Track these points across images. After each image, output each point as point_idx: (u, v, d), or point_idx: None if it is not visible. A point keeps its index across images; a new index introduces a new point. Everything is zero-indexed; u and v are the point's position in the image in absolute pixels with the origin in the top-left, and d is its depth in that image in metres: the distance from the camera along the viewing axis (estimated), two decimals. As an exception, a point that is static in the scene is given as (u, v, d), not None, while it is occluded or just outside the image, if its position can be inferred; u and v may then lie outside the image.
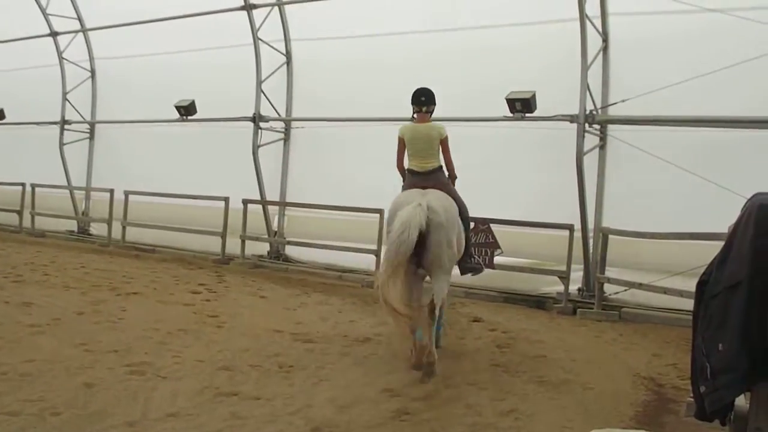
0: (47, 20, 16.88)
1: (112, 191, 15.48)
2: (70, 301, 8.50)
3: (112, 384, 5.13)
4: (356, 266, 12.13)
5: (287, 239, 13.39)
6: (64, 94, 17.23)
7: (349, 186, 12.38)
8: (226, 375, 5.61)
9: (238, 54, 13.70)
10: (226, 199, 13.42)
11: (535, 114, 10.19)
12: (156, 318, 7.72)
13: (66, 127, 17.19)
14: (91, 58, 17.00)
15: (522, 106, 10.17)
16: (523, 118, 10.25)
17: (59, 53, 17.10)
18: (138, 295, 9.20)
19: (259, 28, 13.24)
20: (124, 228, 15.21)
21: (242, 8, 13.22)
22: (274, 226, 13.60)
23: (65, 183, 17.19)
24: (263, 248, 13.70)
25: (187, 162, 14.73)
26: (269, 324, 7.77)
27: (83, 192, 17.23)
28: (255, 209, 13.37)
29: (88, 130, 17.29)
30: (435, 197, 6.36)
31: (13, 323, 7.00)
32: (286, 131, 13.64)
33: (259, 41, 13.28)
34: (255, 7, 13.15)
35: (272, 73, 13.37)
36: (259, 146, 13.29)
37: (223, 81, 14.17)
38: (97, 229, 16.93)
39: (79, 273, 11.02)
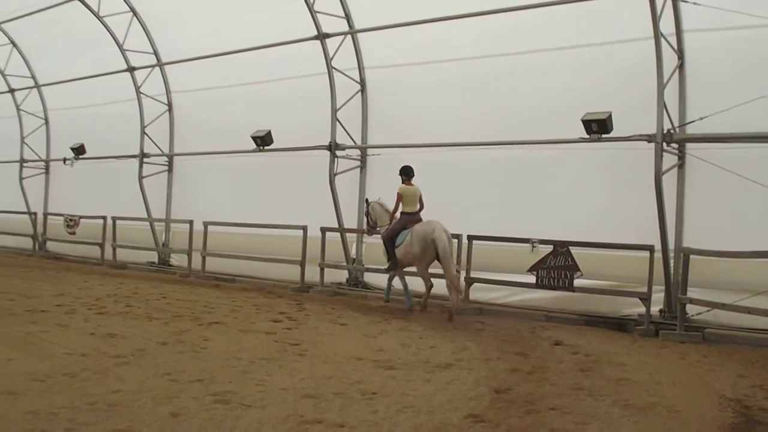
0: (125, 56, 18.31)
1: (191, 222, 16.63)
2: (153, 331, 9.04)
3: (197, 413, 5.40)
4: (436, 292, 12.54)
5: (366, 266, 14.14)
6: (143, 127, 18.61)
7: (428, 211, 12.94)
8: (310, 403, 5.82)
9: (312, 83, 14.68)
10: (305, 228, 14.26)
11: (611, 135, 10.68)
12: (238, 347, 8.15)
13: (145, 160, 18.55)
14: (168, 92, 18.38)
15: (598, 127, 10.66)
16: (599, 140, 10.76)
17: (137, 88, 18.50)
18: (220, 325, 9.75)
19: (332, 57, 14.10)
20: (203, 258, 16.27)
21: (315, 38, 14.14)
22: (353, 253, 14.37)
23: (145, 215, 18.50)
24: (342, 276, 14.50)
25: (265, 191, 15.76)
26: (351, 351, 8.13)
27: (163, 224, 18.48)
28: (333, 237, 14.18)
29: (167, 163, 18.63)
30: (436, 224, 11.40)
31: (98, 354, 7.46)
32: (362, 158, 14.48)
33: (333, 70, 14.14)
34: (328, 36, 14.06)
35: (347, 101, 14.22)
36: (335, 174, 14.11)
37: (298, 110, 15.18)
38: (177, 259, 18.17)
39: (161, 303, 11.76)
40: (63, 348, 7.68)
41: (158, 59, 18.06)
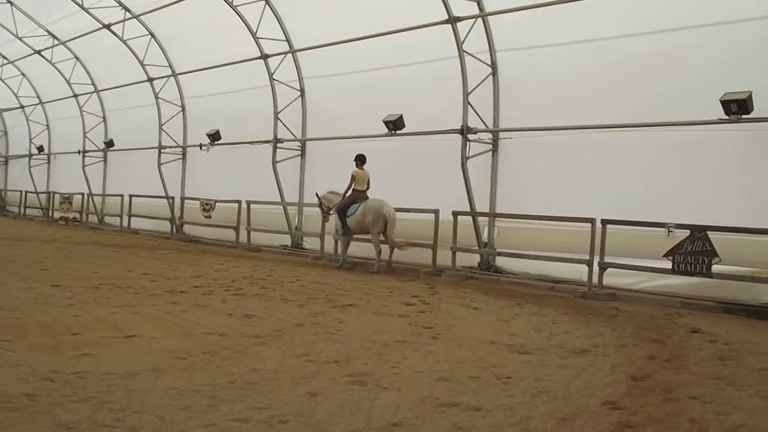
0: (258, 44, 19.56)
1: (324, 207, 17.55)
2: (288, 313, 9.52)
3: (334, 393, 5.64)
4: (568, 276, 13.20)
5: (498, 250, 14.68)
6: (276, 113, 19.85)
7: (559, 195, 13.64)
8: (445, 386, 6.00)
9: (442, 67, 15.35)
10: (436, 212, 14.97)
11: (751, 115, 10.84)
12: (372, 329, 8.49)
13: (278, 145, 19.80)
14: (300, 78, 19.58)
15: (738, 107, 10.81)
16: (739, 120, 10.93)
17: (270, 75, 19.76)
18: (353, 307, 10.20)
19: (463, 41, 14.66)
20: (336, 242, 17.17)
21: (446, 21, 14.72)
22: (485, 237, 14.94)
23: (279, 199, 19.79)
24: (473, 260, 15.12)
25: (396, 176, 16.57)
26: (484, 335, 8.36)
27: (296, 207, 19.68)
28: (465, 221, 14.79)
29: (299, 148, 19.83)
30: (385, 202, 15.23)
31: (237, 335, 7.88)
32: (494, 142, 15.01)
33: (465, 53, 14.70)
34: (459, 19, 14.60)
35: (478, 84, 14.75)
36: (467, 158, 14.70)
37: (429, 94, 15.97)
38: (310, 243, 19.35)
39: (295, 286, 12.45)
40: (202, 327, 8.21)
41: (290, 46, 19.22)
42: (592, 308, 10.91)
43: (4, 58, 32.44)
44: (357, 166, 15.89)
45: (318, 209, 16.98)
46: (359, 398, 5.52)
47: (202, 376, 5.99)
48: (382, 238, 15.17)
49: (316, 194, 16.80)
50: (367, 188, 15.93)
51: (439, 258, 14.97)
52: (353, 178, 15.77)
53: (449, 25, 14.70)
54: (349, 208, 15.65)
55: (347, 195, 15.86)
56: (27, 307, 9.00)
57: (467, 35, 14.62)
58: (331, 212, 16.44)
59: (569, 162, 13.55)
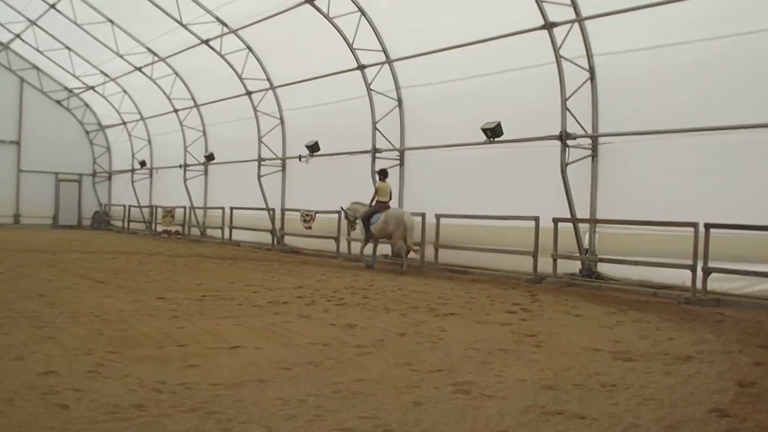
0: (354, 55, 20.34)
1: (423, 215, 18.20)
2: (391, 322, 9.70)
3: (439, 402, 5.71)
4: (671, 282, 13.30)
5: (599, 256, 14.87)
6: (374, 123, 20.53)
7: (661, 199, 13.79)
8: (550, 394, 6.06)
9: (539, 73, 15.68)
10: (536, 219, 15.29)
11: None
12: (475, 338, 8.61)
13: (377, 155, 20.50)
14: (397, 88, 20.20)
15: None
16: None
17: (367, 85, 20.49)
18: (455, 316, 10.39)
19: (560, 46, 14.96)
20: (436, 250, 17.81)
21: (542, 27, 15.06)
22: (585, 243, 15.14)
23: (379, 209, 20.25)
24: (574, 266, 15.36)
25: (495, 183, 17.02)
26: (587, 342, 8.45)
27: (395, 217, 20.13)
28: (565, 227, 15.06)
29: (398, 157, 20.47)
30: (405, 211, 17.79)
31: (340, 344, 8.05)
32: (593, 147, 15.21)
33: (561, 59, 15.00)
34: (555, 25, 14.92)
35: (576, 90, 15.04)
36: (567, 164, 14.97)
37: (526, 101, 16.29)
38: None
39: (396, 295, 12.75)
40: (306, 338, 8.39)
41: (387, 56, 19.85)
42: (696, 314, 11.01)
43: (106, 75, 34.22)
44: (380, 180, 18.48)
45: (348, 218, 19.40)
46: (463, 407, 5.61)
47: (307, 386, 6.12)
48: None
49: (341, 207, 19.58)
50: (390, 199, 18.41)
51: (539, 265, 15.26)
52: (377, 190, 18.32)
53: (545, 31, 15.01)
54: (373, 216, 17.91)
55: (372, 205, 18.22)
56: (133, 319, 9.39)
57: (564, 40, 14.89)
58: (357, 221, 18.76)
59: (670, 166, 13.69)
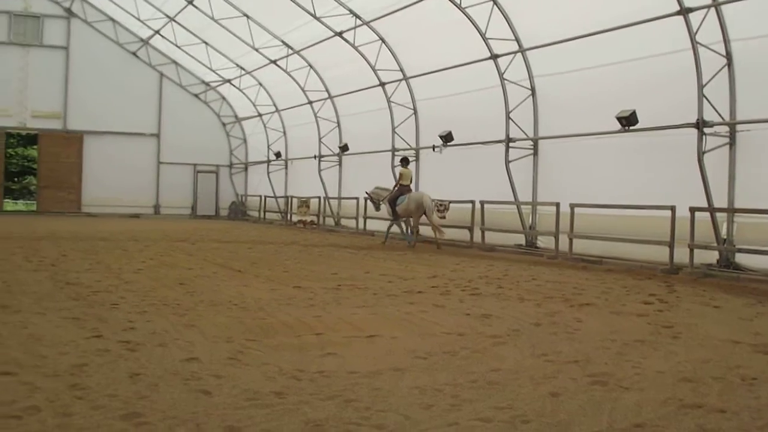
0: (487, 44, 21.06)
1: (557, 205, 18.75)
2: (525, 312, 9.87)
3: (575, 394, 5.80)
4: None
5: (737, 247, 15.00)
6: (507, 113, 21.19)
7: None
8: (689, 386, 6.08)
9: (674, 60, 15.99)
10: (673, 208, 15.51)
11: None
12: (611, 329, 8.70)
13: (510, 144, 21.13)
14: (531, 77, 20.78)
15: None
16: None
17: (500, 75, 21.21)
18: (591, 306, 10.49)
19: (696, 32, 15.18)
20: (570, 240, 18.29)
21: (678, 13, 15.35)
22: (723, 233, 15.27)
23: (512, 199, 21.08)
24: (711, 257, 15.52)
25: (629, 172, 17.40)
26: (726, 334, 8.46)
27: (530, 207, 20.91)
28: (702, 217, 15.25)
29: (532, 147, 21.07)
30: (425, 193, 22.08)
31: (475, 334, 8.23)
32: (731, 135, 15.33)
33: (698, 45, 15.23)
34: (691, 10, 15.16)
35: (713, 76, 15.21)
36: (704, 152, 15.19)
37: (661, 88, 16.62)
38: (544, 242, 20.49)
39: (530, 285, 12.98)
40: (441, 327, 8.58)
41: (520, 45, 20.46)
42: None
43: (242, 69, 36.31)
44: (403, 166, 22.60)
45: (372, 201, 24.07)
46: (601, 398, 5.68)
47: (444, 376, 6.28)
48: (423, 219, 21.67)
49: (366, 192, 24.64)
50: (411, 182, 22.78)
51: (675, 255, 15.48)
52: (401, 175, 22.47)
53: (680, 17, 15.29)
54: (398, 198, 21.97)
55: (396, 189, 22.39)
56: (271, 308, 9.75)
57: (700, 26, 15.10)
58: (381, 203, 23.17)
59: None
